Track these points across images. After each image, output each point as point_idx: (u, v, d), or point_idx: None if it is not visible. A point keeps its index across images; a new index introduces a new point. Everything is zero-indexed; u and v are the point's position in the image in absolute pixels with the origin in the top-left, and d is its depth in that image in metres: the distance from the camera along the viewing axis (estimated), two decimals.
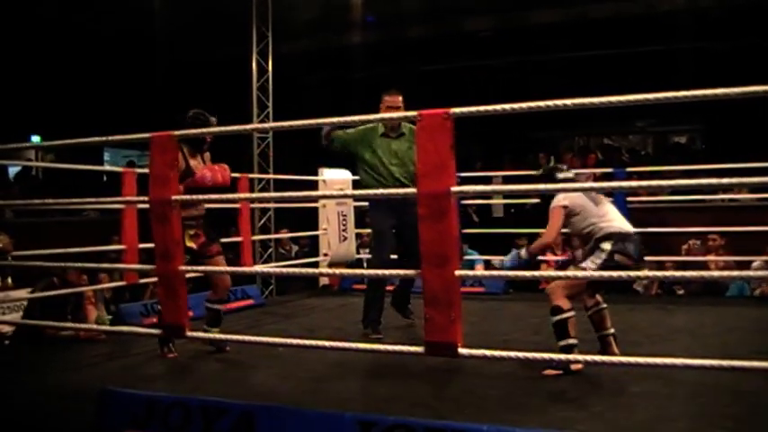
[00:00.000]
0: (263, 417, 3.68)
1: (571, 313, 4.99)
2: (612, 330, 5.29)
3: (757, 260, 8.80)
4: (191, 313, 5.06)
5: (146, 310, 7.06)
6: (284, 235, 11.00)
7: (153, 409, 3.91)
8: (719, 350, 5.54)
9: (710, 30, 13.69)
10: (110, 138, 5.03)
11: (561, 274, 5.51)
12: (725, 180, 3.46)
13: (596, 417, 4.04)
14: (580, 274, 5.04)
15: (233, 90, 11.89)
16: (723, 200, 11.74)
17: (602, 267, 4.97)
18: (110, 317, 7.65)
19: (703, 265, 8.99)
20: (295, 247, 11.33)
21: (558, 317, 5.00)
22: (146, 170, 5.65)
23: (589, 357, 3.70)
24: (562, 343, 4.97)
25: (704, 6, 13.62)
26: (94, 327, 6.69)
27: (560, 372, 4.90)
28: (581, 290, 5.11)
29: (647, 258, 7.17)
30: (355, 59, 16.04)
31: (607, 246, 5.07)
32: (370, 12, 14.18)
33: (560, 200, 5.19)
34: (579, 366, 4.91)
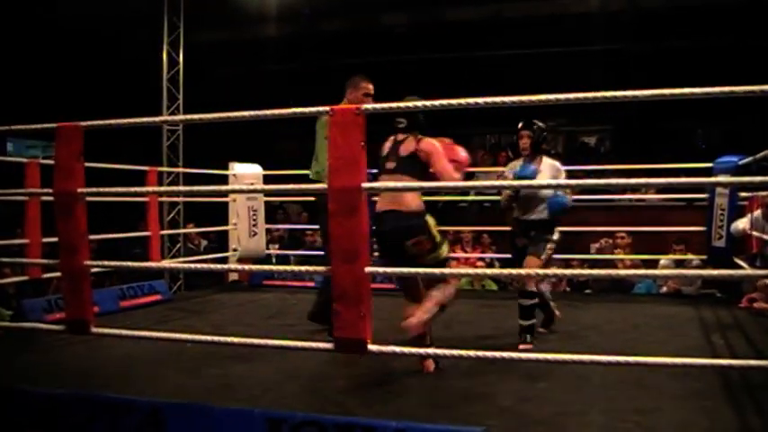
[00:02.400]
0: (171, 414, 3.64)
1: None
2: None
3: (663, 258, 9.03)
4: (96, 309, 4.97)
5: (49, 306, 6.86)
6: (192, 230, 10.86)
7: (56, 408, 3.83)
8: (626, 346, 5.68)
9: (622, 32, 13.98)
10: (13, 127, 4.90)
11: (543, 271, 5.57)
12: (633, 180, 3.55)
13: (505, 411, 4.09)
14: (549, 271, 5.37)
15: (144, 81, 11.68)
16: (631, 200, 12.01)
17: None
18: (10, 312, 7.44)
19: (612, 264, 9.19)
20: (204, 242, 11.21)
21: (533, 301, 5.72)
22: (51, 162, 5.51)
23: (498, 354, 3.74)
24: (531, 322, 5.75)
25: (616, 9, 13.90)
26: None
27: (531, 345, 5.65)
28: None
29: (556, 256, 7.32)
30: (270, 52, 15.93)
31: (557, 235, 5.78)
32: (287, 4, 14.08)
33: None
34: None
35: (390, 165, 5.03)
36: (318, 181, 6.08)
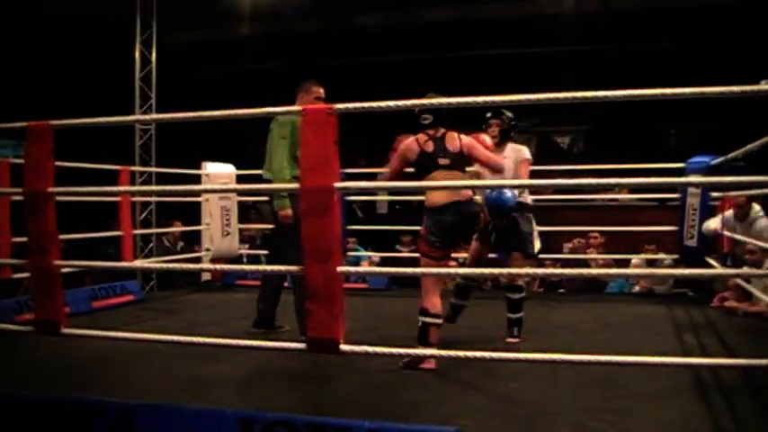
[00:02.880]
0: (142, 416, 3.60)
1: None
2: None
3: (635, 258, 9.08)
4: (67, 309, 4.92)
5: (19, 307, 6.79)
6: (178, 228, 10.77)
7: (22, 411, 3.79)
8: (599, 346, 5.69)
9: (596, 33, 14.04)
10: None
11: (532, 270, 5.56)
12: (605, 180, 3.56)
13: (478, 411, 4.09)
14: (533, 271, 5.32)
15: (117, 80, 11.59)
16: (604, 200, 12.05)
17: None
18: None
19: (585, 263, 9.23)
20: (181, 243, 11.14)
21: (521, 294, 5.96)
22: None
23: (470, 353, 3.73)
24: (519, 315, 5.97)
25: (589, 11, 13.95)
26: None
27: (519, 339, 5.88)
28: None
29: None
30: (245, 52, 15.87)
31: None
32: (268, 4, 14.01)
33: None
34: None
35: (444, 161, 5.21)
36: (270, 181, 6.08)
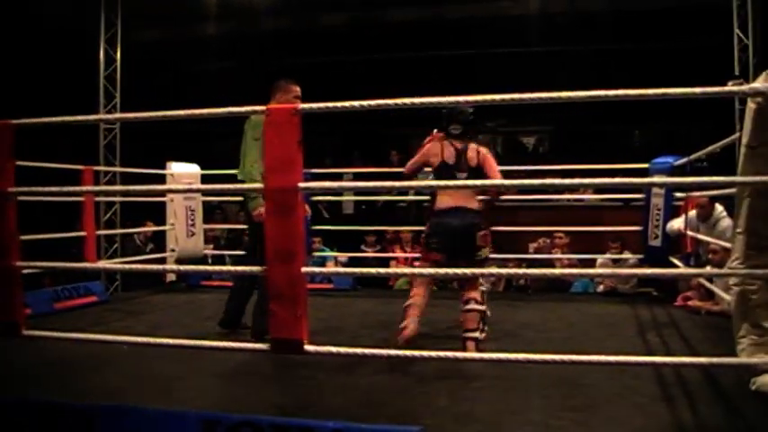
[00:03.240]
0: (103, 417, 3.57)
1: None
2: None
3: (600, 258, 9.14)
4: (28, 311, 4.87)
5: None
6: (143, 229, 10.68)
7: None
8: (563, 345, 5.73)
9: (562, 34, 14.13)
10: None
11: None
12: (570, 180, 3.58)
13: (441, 411, 4.10)
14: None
15: (81, 78, 11.49)
16: (569, 200, 12.11)
17: None
18: None
19: (550, 263, 9.27)
20: (150, 245, 11.05)
21: (482, 287, 5.78)
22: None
23: (434, 353, 3.74)
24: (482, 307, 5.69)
25: (554, 11, 14.04)
26: None
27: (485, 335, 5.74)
28: None
29: (494, 256, 7.36)
30: (210, 51, 15.81)
31: None
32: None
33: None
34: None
35: (461, 176, 5.50)
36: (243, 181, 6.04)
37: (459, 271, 4.62)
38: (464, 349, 5.37)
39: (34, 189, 4.58)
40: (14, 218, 4.22)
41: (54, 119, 4.35)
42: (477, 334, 5.50)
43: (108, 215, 10.08)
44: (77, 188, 7.75)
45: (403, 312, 5.56)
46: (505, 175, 6.07)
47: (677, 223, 7.84)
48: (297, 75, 6.23)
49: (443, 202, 5.51)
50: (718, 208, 7.41)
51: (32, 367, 5.18)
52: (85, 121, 5.31)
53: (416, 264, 5.75)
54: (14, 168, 4.26)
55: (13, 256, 4.20)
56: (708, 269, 6.66)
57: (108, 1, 10.21)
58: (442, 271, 5.31)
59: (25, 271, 4.53)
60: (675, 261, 7.76)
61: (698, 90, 3.20)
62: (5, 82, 13.56)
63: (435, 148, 5.61)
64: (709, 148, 6.81)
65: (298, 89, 6.13)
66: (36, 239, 7.23)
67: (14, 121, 4.22)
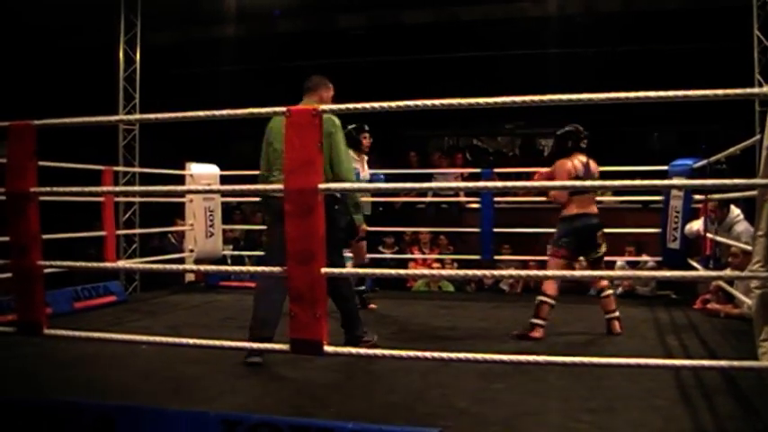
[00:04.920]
0: (123, 417, 3.58)
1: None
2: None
3: (619, 260, 9.11)
4: (49, 310, 4.89)
5: (0, 307, 6.75)
6: (179, 228, 10.67)
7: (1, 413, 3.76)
8: (582, 347, 5.72)
9: (579, 35, 14.07)
10: None
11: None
12: (589, 183, 3.58)
13: (461, 412, 4.09)
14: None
15: (100, 79, 11.54)
16: None
17: None
18: None
19: None
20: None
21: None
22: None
23: (454, 355, 3.73)
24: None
25: (571, 13, 13.98)
26: None
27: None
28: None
29: (513, 258, 7.34)
30: (229, 53, 15.83)
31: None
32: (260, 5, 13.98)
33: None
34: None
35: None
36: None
37: (479, 272, 4.58)
38: (610, 330, 6.36)
39: (55, 189, 4.61)
40: (37, 217, 4.25)
41: (74, 119, 4.38)
42: (617, 314, 6.41)
43: (127, 215, 10.11)
44: (98, 188, 7.78)
45: (536, 310, 6.21)
46: (524, 177, 6.07)
47: (696, 225, 7.81)
48: (311, 76, 6.21)
49: (573, 209, 6.30)
50: (735, 211, 7.38)
51: (53, 366, 5.22)
52: (105, 122, 5.32)
53: (549, 260, 6.55)
54: (37, 168, 4.29)
55: (36, 256, 4.22)
56: (727, 272, 6.64)
57: (128, 2, 10.24)
58: (471, 272, 5.30)
59: (47, 270, 4.56)
60: (694, 264, 7.73)
61: (719, 92, 3.19)
62: (28, 84, 13.68)
63: (568, 164, 6.37)
64: (729, 150, 6.78)
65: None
66: (53, 239, 7.28)
67: (36, 122, 4.24)
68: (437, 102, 3.59)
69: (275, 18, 14.94)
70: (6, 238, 4.33)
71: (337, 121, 5.71)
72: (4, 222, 4.42)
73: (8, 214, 4.24)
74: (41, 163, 4.36)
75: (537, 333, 6.12)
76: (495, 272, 5.35)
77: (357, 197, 6.16)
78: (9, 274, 4.43)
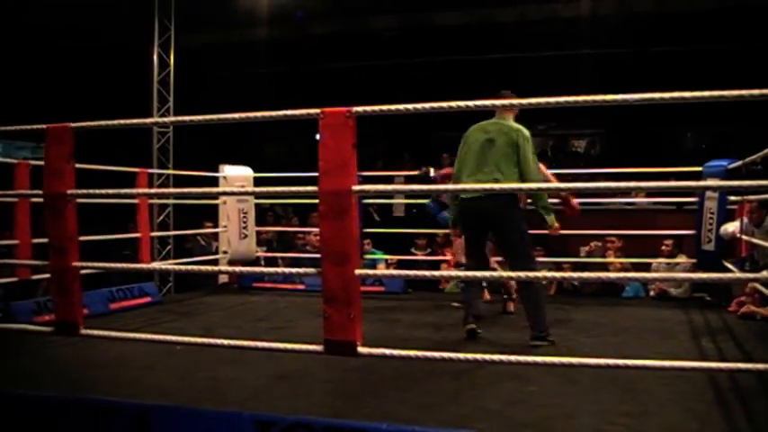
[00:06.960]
0: (158, 417, 3.62)
1: None
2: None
3: (654, 262, 9.05)
4: (85, 311, 4.94)
5: (38, 308, 6.84)
6: (209, 230, 10.74)
7: (42, 411, 3.81)
8: (615, 349, 5.68)
9: (612, 36, 14.01)
10: (2, 128, 4.87)
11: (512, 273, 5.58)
12: (623, 184, 3.56)
13: (494, 415, 4.08)
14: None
15: (135, 82, 11.64)
16: (621, 203, 12.00)
17: None
18: None
19: (602, 267, 9.18)
20: (215, 243, 11.13)
21: None
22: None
23: (488, 357, 3.73)
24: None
25: (604, 14, 13.93)
26: None
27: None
28: None
29: (546, 259, 7.31)
30: (261, 55, 15.91)
31: None
32: (284, 7, 14.04)
33: None
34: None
35: None
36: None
37: (505, 274, 4.58)
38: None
39: (91, 191, 4.66)
40: (74, 219, 4.29)
41: (110, 122, 4.43)
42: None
43: (161, 217, 10.19)
44: (133, 190, 7.86)
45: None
46: (557, 177, 6.05)
47: (731, 227, 7.74)
48: (345, 78, 6.25)
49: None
50: None
51: (90, 366, 5.28)
52: (140, 125, 5.36)
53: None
54: (74, 171, 4.34)
55: (73, 257, 4.27)
56: (763, 274, 6.57)
57: (162, 5, 10.32)
58: (513, 274, 5.27)
59: (82, 272, 4.61)
60: (729, 265, 7.66)
61: (755, 92, 3.17)
62: (64, 87, 13.82)
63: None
64: (765, 151, 6.71)
65: None
66: (90, 240, 7.35)
67: (73, 125, 4.29)
68: (470, 103, 3.59)
69: (301, 20, 14.99)
70: (45, 240, 4.39)
71: (527, 133, 5.80)
72: (41, 223, 4.48)
73: (46, 216, 4.29)
74: (78, 165, 4.42)
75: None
76: (521, 273, 5.29)
77: (545, 199, 6.14)
78: (47, 275, 4.49)
